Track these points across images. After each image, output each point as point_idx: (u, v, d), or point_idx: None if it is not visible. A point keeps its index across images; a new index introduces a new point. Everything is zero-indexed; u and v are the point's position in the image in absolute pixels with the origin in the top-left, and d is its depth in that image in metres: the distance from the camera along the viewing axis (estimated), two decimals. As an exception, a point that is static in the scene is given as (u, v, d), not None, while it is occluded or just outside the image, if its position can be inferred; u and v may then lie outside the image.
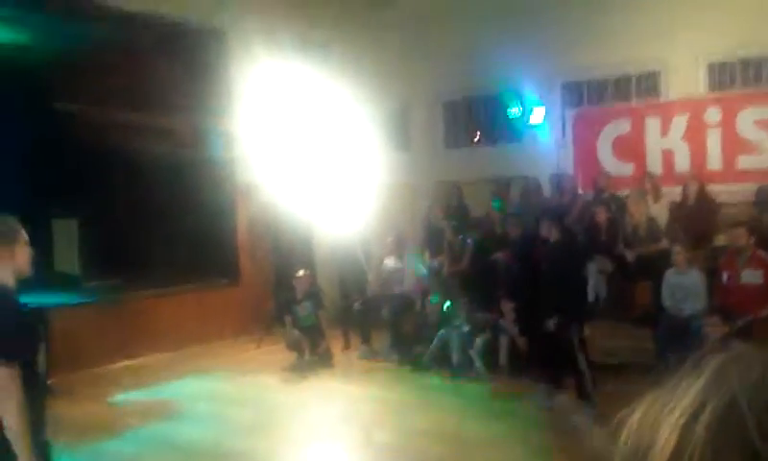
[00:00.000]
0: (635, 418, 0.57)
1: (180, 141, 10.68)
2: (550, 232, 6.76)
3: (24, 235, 2.99)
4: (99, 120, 10.02)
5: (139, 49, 10.08)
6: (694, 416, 0.53)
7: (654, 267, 7.81)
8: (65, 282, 10.72)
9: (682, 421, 0.53)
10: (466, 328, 8.09)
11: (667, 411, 0.55)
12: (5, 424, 2.62)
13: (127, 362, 9.10)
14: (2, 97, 9.24)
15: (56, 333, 8.20)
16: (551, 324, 6.74)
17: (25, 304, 3.12)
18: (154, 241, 11.31)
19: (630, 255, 8.08)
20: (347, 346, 9.46)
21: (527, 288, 7.58)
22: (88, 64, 9.81)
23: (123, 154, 10.15)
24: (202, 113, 10.55)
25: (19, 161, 9.68)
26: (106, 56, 9.80)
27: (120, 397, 7.80)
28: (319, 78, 10.42)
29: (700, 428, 0.52)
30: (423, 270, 9.33)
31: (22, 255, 2.95)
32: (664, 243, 7.98)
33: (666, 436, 0.54)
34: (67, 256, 11.44)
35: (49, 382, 7.87)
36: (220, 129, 10.97)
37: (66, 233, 11.64)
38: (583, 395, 6.51)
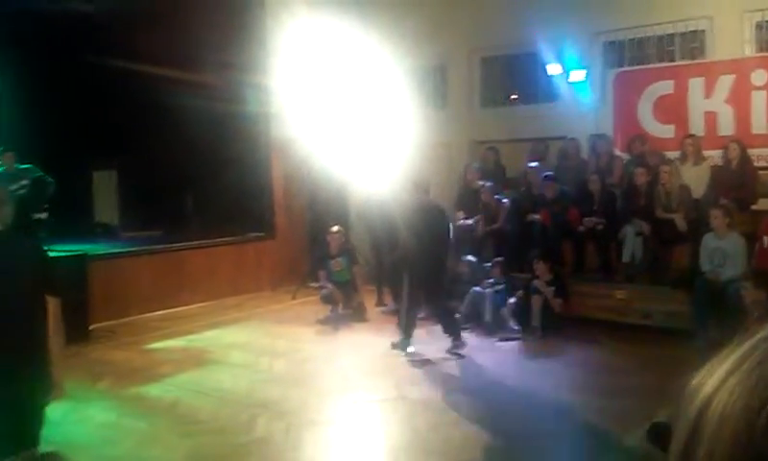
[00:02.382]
0: (690, 385, 0.57)
1: (218, 96, 10.73)
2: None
3: (5, 195, 3.52)
4: (139, 75, 10.12)
5: (179, 4, 10.10)
6: (723, 380, 0.53)
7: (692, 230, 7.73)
8: (105, 232, 10.96)
9: (715, 384, 0.54)
10: (499, 288, 8.10)
11: (709, 376, 0.55)
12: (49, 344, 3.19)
13: (164, 311, 9.31)
14: (46, 51, 9.38)
15: (95, 281, 8.42)
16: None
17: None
18: (191, 194, 11.48)
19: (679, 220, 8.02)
20: (380, 302, 9.53)
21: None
22: (129, 19, 9.88)
23: (162, 108, 10.26)
24: (240, 68, 10.57)
25: (62, 115, 9.83)
26: (147, 11, 9.85)
27: (158, 344, 7.99)
28: (356, 34, 10.34)
29: (723, 393, 0.52)
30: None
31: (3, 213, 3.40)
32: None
33: (699, 399, 0.54)
34: (107, 207, 11.68)
35: (91, 328, 8.14)
36: (257, 84, 10.99)
37: (106, 185, 11.87)
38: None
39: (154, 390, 6.30)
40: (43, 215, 8.78)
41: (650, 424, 0.63)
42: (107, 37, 9.79)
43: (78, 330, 7.77)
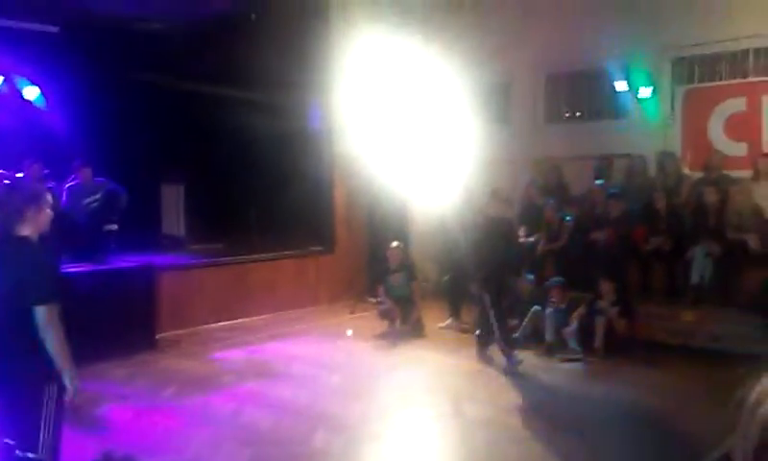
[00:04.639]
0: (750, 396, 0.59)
1: (281, 114, 10.94)
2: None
3: (49, 201, 3.48)
4: (205, 94, 10.44)
5: (243, 25, 10.37)
6: None
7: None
8: (172, 244, 11.27)
9: None
10: (561, 307, 7.96)
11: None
12: (50, 349, 3.23)
13: (227, 322, 9.50)
14: (118, 71, 9.74)
15: (163, 292, 8.66)
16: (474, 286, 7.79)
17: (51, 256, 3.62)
18: (255, 208, 11.71)
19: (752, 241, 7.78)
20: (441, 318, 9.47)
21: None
22: (195, 40, 10.18)
23: (228, 126, 10.52)
24: (303, 87, 10.75)
25: (133, 132, 10.18)
26: (212, 32, 10.14)
27: (220, 354, 8.16)
28: (419, 50, 10.40)
29: None
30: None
31: (45, 218, 3.45)
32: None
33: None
34: (174, 220, 12.02)
35: (157, 337, 8.37)
36: (320, 102, 11.15)
37: (174, 198, 12.21)
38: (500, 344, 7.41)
39: (217, 399, 6.43)
40: (113, 227, 9.09)
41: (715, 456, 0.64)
42: (174, 58, 10.10)
43: (145, 339, 8.03)
